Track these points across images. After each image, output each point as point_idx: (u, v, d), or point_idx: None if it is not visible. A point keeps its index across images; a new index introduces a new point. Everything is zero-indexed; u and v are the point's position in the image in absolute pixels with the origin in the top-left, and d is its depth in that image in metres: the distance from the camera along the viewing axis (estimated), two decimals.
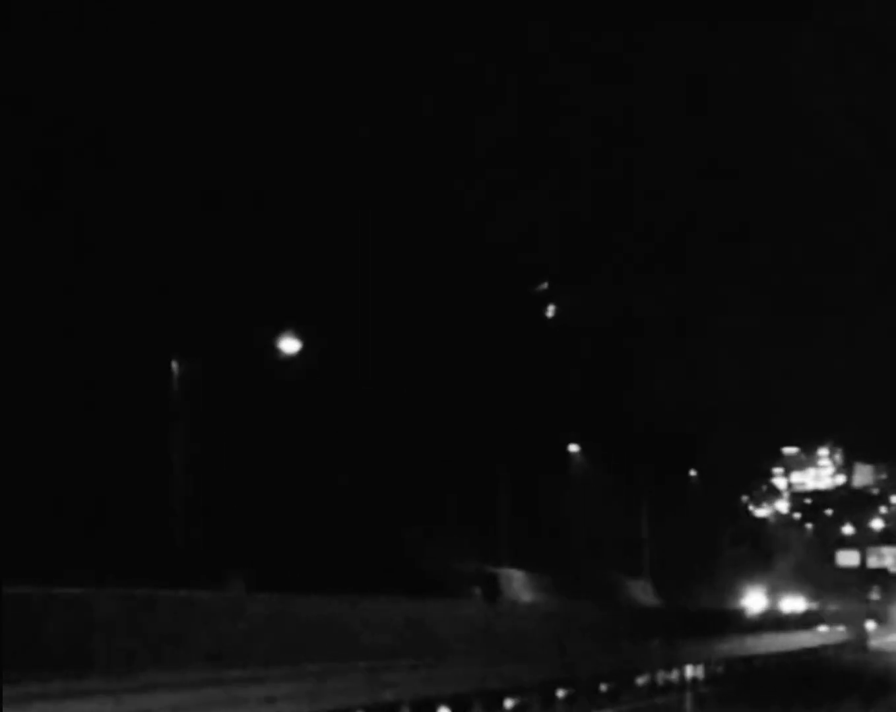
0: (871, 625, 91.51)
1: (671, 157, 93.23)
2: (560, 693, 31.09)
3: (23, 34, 37.05)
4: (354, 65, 52.89)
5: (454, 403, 57.08)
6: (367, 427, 48.68)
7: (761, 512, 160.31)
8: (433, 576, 46.14)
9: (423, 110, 58.56)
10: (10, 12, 35.92)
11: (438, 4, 60.90)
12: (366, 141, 53.02)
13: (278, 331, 36.04)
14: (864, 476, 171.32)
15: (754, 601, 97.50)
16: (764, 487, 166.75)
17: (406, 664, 24.40)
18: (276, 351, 35.89)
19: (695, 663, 44.80)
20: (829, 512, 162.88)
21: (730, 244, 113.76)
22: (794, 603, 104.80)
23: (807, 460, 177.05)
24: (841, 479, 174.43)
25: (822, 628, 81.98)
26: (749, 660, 51.98)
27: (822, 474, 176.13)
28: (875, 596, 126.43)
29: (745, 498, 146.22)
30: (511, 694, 28.88)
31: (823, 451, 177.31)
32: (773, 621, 74.20)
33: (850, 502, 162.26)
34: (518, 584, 57.31)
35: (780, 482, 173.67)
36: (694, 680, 43.81)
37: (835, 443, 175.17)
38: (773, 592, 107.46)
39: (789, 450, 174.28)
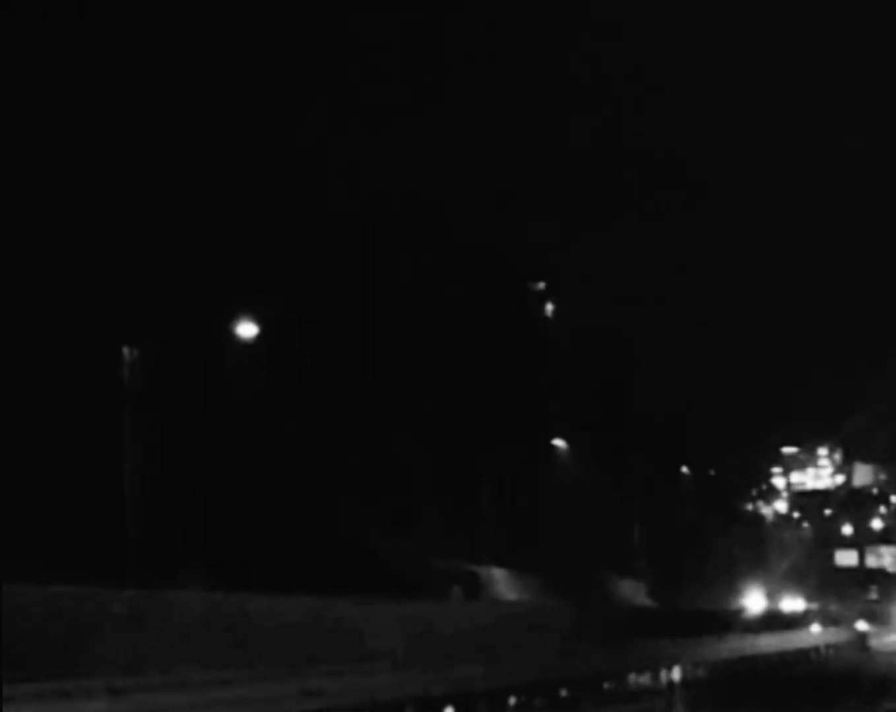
0: (862, 626, 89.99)
1: None
2: (512, 700, 28.66)
3: None
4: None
5: (435, 394, 55.79)
6: (339, 418, 47.18)
7: (761, 511, 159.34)
8: (408, 575, 44.66)
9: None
10: None
11: None
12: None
13: (236, 316, 34.43)
14: (863, 475, 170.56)
15: (754, 601, 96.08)
16: (763, 486, 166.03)
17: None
18: (233, 336, 34.27)
19: (675, 665, 42.31)
20: (828, 511, 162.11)
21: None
22: (793, 604, 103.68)
23: (806, 460, 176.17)
24: (840, 479, 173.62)
25: (815, 628, 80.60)
26: (732, 663, 49.71)
27: (821, 474, 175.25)
28: (873, 595, 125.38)
29: (743, 497, 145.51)
30: (454, 703, 26.28)
31: (823, 451, 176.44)
32: (765, 621, 72.80)
33: (850, 502, 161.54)
34: (501, 583, 55.83)
35: (779, 481, 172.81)
36: (671, 683, 40.89)
37: (834, 442, 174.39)
38: (773, 592, 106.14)
39: (789, 450, 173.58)
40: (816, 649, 71.32)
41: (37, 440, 33.82)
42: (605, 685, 35.54)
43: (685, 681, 42.33)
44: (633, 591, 72.81)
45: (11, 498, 32.76)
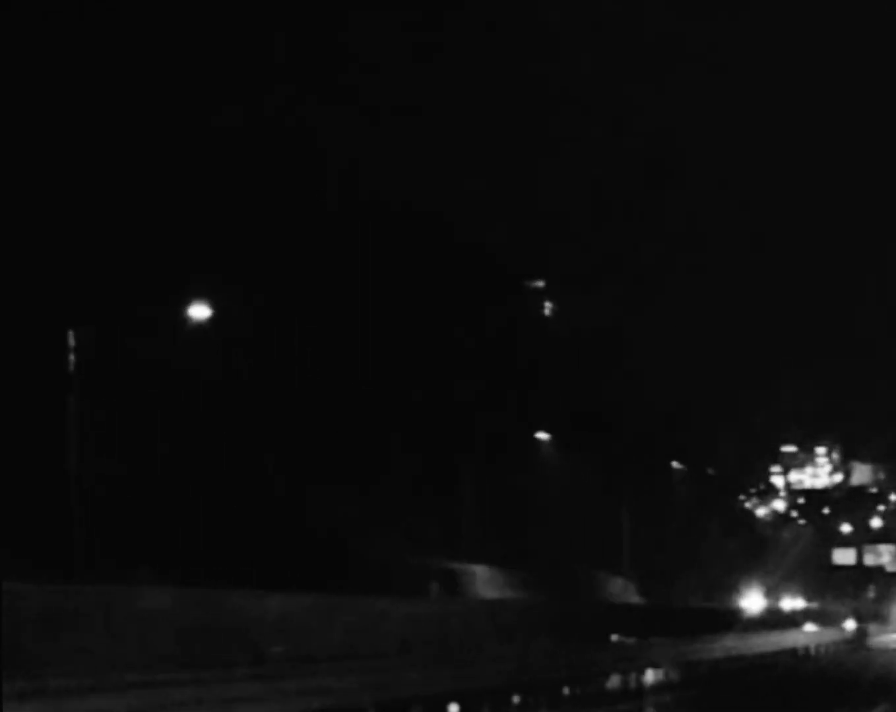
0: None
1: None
2: (454, 707, 26.20)
3: None
4: None
5: (422, 385, 54.72)
6: (310, 410, 45.73)
7: (760, 511, 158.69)
8: (384, 571, 43.14)
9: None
10: None
11: None
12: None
13: (189, 297, 32.84)
14: (862, 474, 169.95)
15: (752, 600, 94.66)
16: (762, 485, 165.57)
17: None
18: (186, 319, 32.65)
19: (648, 668, 39.75)
20: (826, 510, 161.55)
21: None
22: (792, 603, 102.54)
23: (805, 458, 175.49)
24: (839, 478, 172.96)
25: (812, 627, 79.19)
26: (720, 664, 47.59)
27: (819, 472, 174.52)
28: (871, 594, 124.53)
29: (741, 496, 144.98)
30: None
31: (821, 450, 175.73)
32: (760, 620, 71.36)
33: (848, 500, 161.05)
34: (483, 581, 54.33)
35: (777, 480, 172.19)
36: (640, 687, 38.13)
37: (833, 441, 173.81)
38: (771, 591, 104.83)
39: (787, 449, 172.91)
40: (813, 648, 69.74)
41: None
42: (566, 690, 32.87)
43: (660, 685, 39.76)
44: (623, 589, 71.34)
45: None
